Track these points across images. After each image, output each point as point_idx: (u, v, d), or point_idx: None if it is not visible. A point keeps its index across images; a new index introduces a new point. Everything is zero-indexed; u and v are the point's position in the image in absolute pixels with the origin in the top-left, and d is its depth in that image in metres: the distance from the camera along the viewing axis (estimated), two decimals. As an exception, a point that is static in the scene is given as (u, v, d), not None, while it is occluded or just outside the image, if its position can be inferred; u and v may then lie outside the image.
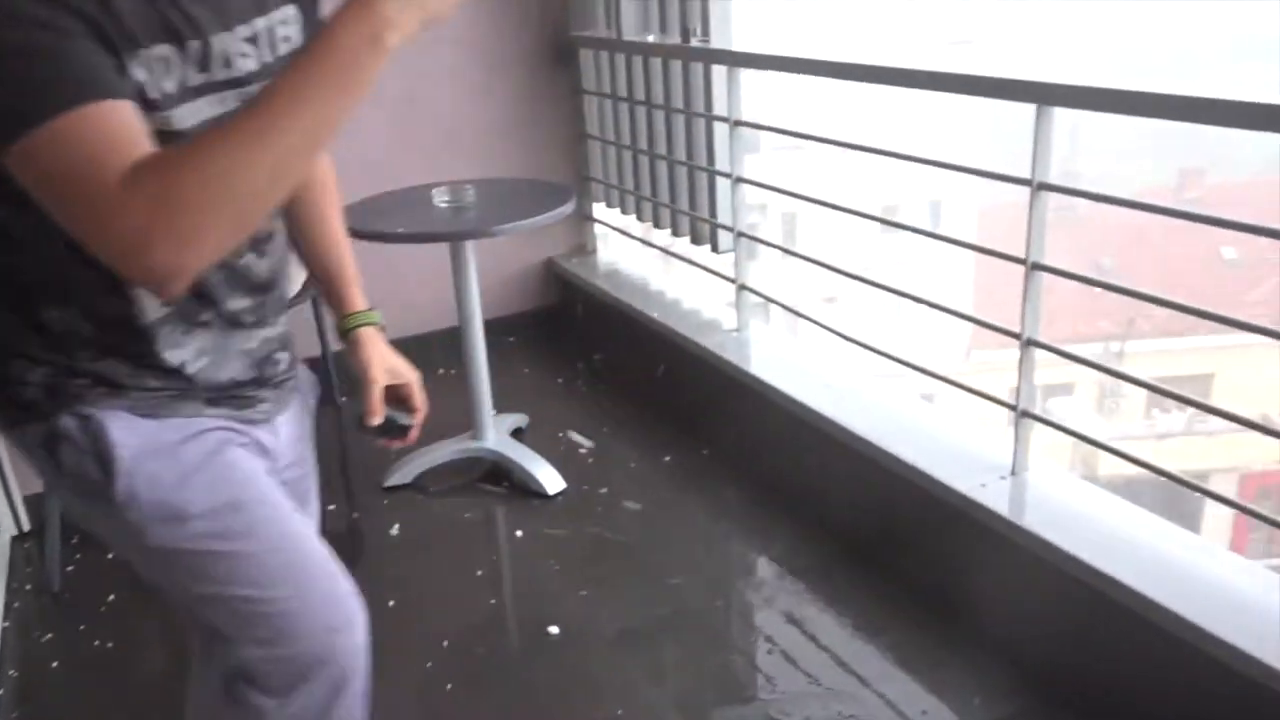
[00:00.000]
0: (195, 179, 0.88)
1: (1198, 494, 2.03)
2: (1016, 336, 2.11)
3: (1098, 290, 2.08)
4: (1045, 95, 1.82)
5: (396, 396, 1.46)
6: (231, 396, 1.22)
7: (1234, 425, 1.83)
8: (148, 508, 1.13)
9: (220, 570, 1.17)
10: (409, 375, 1.48)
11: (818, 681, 2.04)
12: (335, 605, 1.23)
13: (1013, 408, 2.14)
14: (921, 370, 2.41)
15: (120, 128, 0.91)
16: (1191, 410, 15.94)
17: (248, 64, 1.10)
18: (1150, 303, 1.95)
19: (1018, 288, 2.05)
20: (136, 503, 1.12)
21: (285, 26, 1.16)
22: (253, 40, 1.10)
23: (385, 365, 1.45)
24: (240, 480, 1.19)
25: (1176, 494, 2.30)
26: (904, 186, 15.54)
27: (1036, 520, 1.96)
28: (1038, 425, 2.14)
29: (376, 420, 1.41)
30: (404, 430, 1.46)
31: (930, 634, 2.13)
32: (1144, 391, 15.02)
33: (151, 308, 1.11)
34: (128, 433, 1.12)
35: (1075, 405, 15.83)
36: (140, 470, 1.12)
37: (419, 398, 1.48)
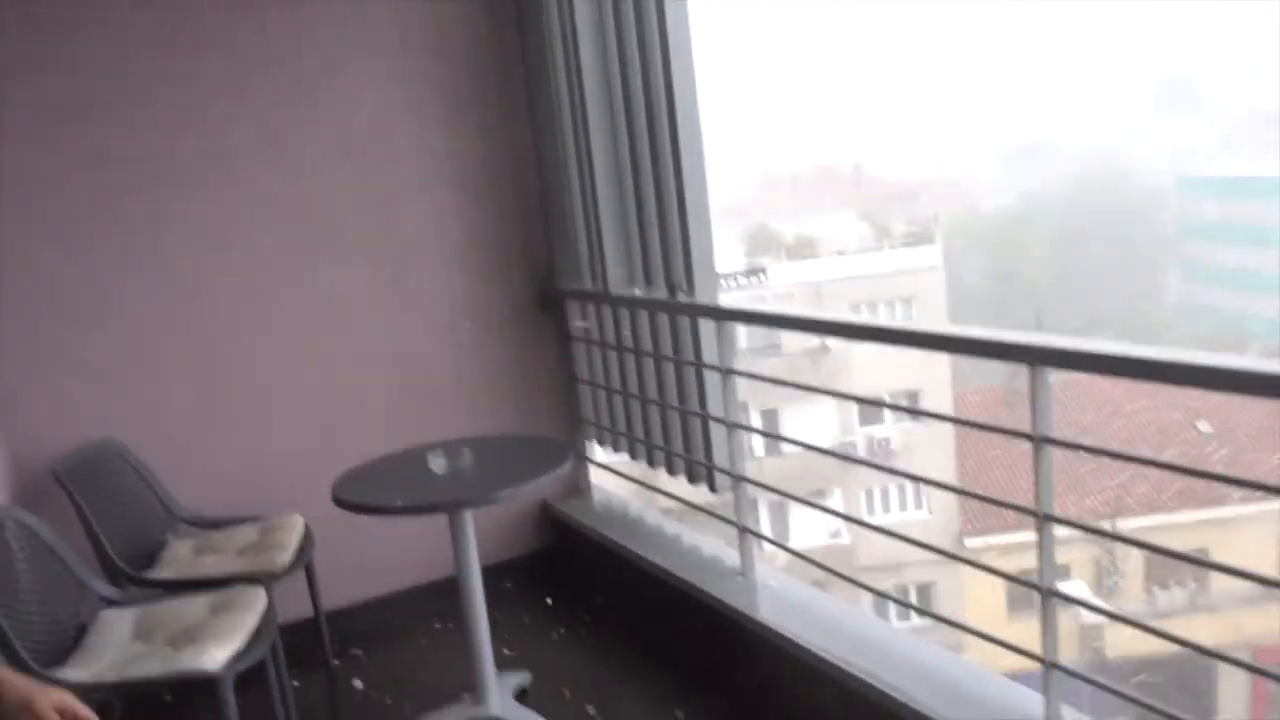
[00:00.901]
0: None
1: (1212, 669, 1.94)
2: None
3: (1084, 470, 2.06)
4: (1038, 356, 1.85)
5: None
6: None
7: (1236, 600, 1.77)
8: None
9: None
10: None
11: None
12: None
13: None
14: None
15: None
16: (1194, 586, 15.79)
17: None
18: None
19: (999, 473, 2.03)
20: None
21: None
22: None
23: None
24: None
25: (1193, 670, 2.21)
26: (881, 383, 15.87)
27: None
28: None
29: None
30: None
31: None
32: (1141, 570, 14.71)
33: None
34: None
35: (1075, 586, 15.58)
36: None
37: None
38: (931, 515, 17.08)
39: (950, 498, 17.11)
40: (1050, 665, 2.10)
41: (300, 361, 3.46)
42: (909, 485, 17.64)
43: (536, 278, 3.75)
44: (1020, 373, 1.91)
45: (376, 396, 3.54)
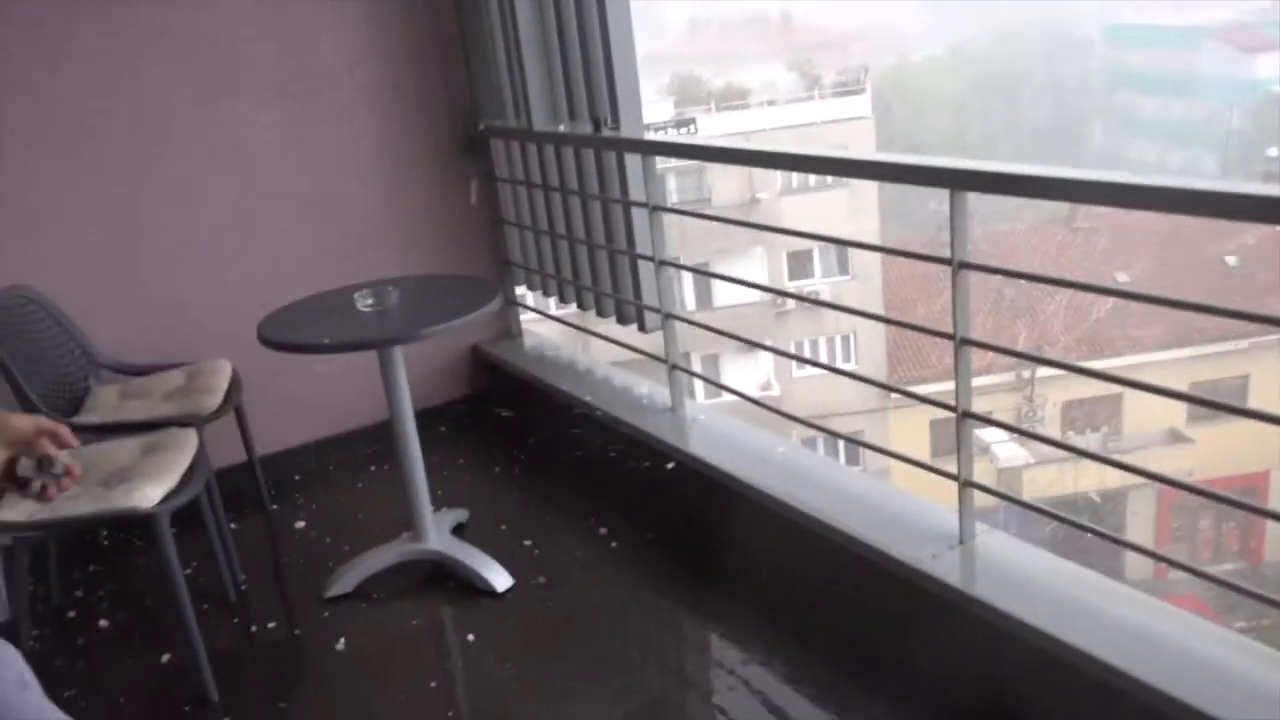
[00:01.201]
0: None
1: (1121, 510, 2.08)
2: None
3: (1002, 322, 2.14)
4: (958, 180, 1.88)
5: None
6: None
7: (1145, 444, 1.88)
8: None
9: None
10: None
11: (788, 769, 2.03)
12: None
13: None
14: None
15: None
16: (1105, 430, 16.50)
17: None
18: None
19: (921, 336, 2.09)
20: None
21: None
22: None
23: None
24: None
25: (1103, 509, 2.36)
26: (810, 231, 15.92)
27: (987, 589, 1.99)
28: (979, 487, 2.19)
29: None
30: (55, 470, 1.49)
31: (898, 708, 2.13)
32: (1059, 414, 15.29)
33: None
34: None
35: (995, 430, 16.20)
36: None
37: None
38: (859, 366, 17.48)
39: (878, 352, 17.48)
40: (964, 483, 2.20)
41: (216, 205, 3.37)
42: (838, 339, 17.96)
43: (459, 117, 3.66)
44: (943, 229, 1.94)
45: (300, 240, 3.48)
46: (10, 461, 1.47)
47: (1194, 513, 16.70)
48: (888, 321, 2.38)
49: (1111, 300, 16.36)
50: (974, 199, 1.96)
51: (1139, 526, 16.03)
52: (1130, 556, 14.10)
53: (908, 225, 20.76)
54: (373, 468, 3.61)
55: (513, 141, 3.55)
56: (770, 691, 2.26)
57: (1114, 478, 15.67)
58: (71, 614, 2.91)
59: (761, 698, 2.24)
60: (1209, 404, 1.83)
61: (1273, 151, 20.94)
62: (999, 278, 16.74)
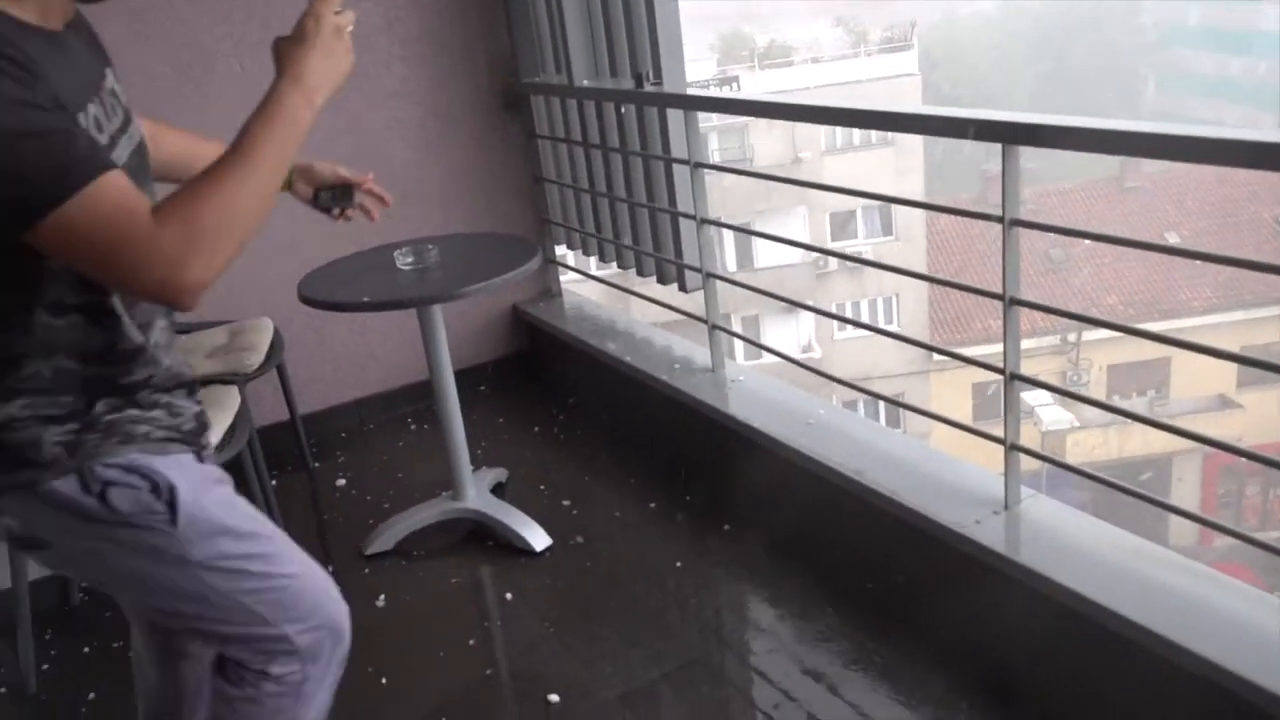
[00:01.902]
0: (210, 209, 1.19)
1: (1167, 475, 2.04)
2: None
3: (1047, 284, 2.08)
4: (1011, 134, 1.82)
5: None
6: (196, 436, 1.44)
7: (1194, 409, 1.84)
8: (203, 527, 1.36)
9: (260, 567, 1.43)
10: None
11: (827, 732, 2.02)
12: (329, 581, 1.53)
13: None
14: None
15: (126, 186, 1.16)
16: (1153, 394, 16.24)
17: (119, 113, 1.37)
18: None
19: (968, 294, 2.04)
20: (194, 526, 1.35)
21: (115, 84, 1.42)
22: (112, 94, 1.38)
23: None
24: (242, 502, 1.46)
25: (1149, 479, 2.31)
26: (854, 199, 15.74)
27: (1033, 555, 1.96)
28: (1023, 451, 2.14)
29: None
30: (350, 198, 1.87)
31: (936, 674, 2.11)
32: (1104, 378, 15.11)
33: (128, 337, 1.33)
34: (175, 472, 1.35)
35: (1039, 393, 16.03)
36: (194, 500, 1.35)
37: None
38: (901, 329, 17.32)
39: (921, 315, 17.30)
40: (1010, 447, 2.16)
41: (259, 164, 3.37)
42: (880, 301, 17.79)
43: (499, 73, 3.62)
44: (989, 189, 1.88)
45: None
46: (316, 193, 1.89)
47: (1241, 479, 16.44)
48: (935, 281, 2.33)
49: (1159, 262, 16.05)
50: (1025, 156, 1.91)
51: (1184, 492, 15.82)
52: (1174, 523, 13.93)
53: (954, 185, 20.45)
54: (413, 426, 3.63)
55: (553, 98, 3.51)
56: (808, 655, 2.24)
57: (1159, 443, 15.46)
58: (83, 597, 2.96)
59: (799, 661, 2.23)
60: (1262, 365, 1.77)
61: (1332, 108, 20.33)
62: (1044, 241, 16.45)
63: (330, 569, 2.80)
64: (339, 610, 1.53)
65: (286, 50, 1.35)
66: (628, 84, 3.05)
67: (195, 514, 1.35)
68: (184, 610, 1.44)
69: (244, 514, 1.44)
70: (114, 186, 1.14)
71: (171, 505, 1.33)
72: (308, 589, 1.49)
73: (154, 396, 1.38)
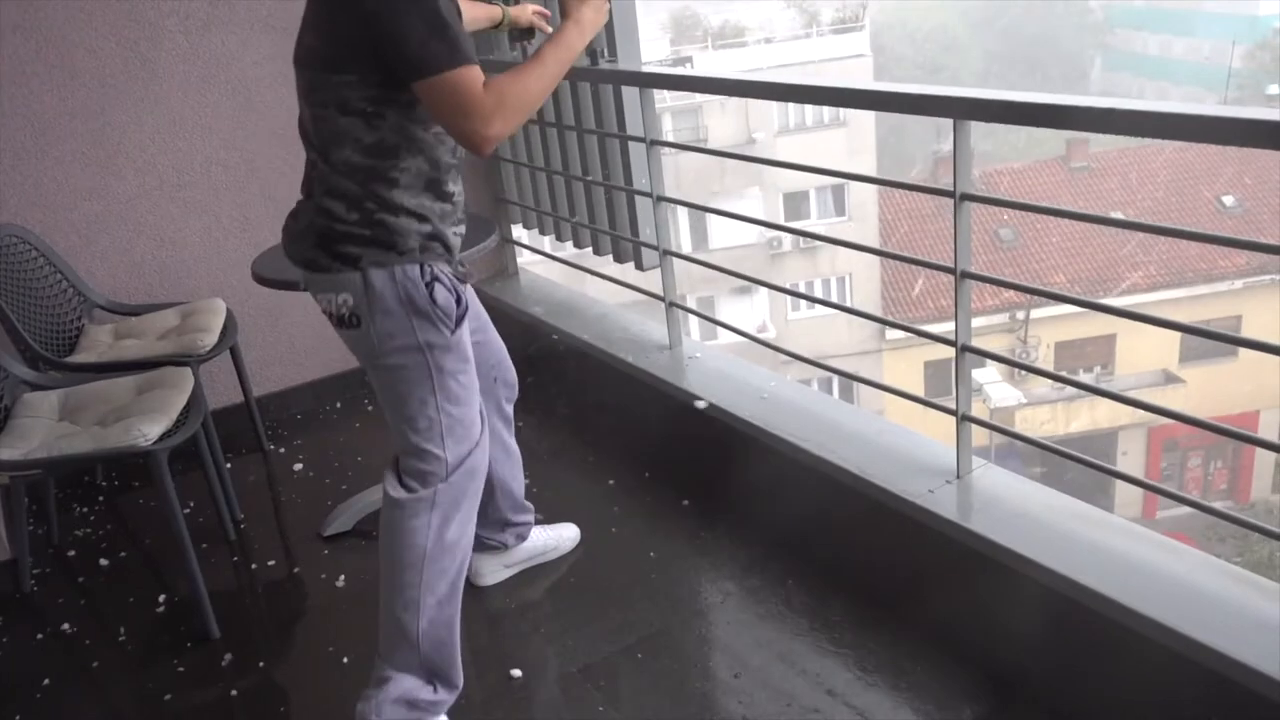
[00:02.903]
0: (516, 90, 1.68)
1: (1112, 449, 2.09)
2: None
3: (996, 263, 2.13)
4: (962, 110, 1.85)
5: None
6: (460, 264, 1.94)
7: (1138, 384, 1.89)
8: (458, 334, 1.86)
9: (464, 376, 1.91)
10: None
11: (790, 699, 2.05)
12: (480, 420, 1.97)
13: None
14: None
15: (479, 70, 1.66)
16: (1099, 370, 16.55)
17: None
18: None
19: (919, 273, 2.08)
20: (459, 332, 1.85)
21: None
22: None
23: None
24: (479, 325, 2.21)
25: (1094, 450, 2.37)
26: (807, 177, 15.83)
27: (983, 522, 2.00)
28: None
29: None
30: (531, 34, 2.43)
31: (891, 643, 2.16)
32: (1051, 354, 15.37)
33: (445, 160, 1.85)
34: (457, 283, 1.87)
35: (988, 373, 16.28)
36: (463, 310, 1.86)
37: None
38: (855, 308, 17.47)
39: (874, 293, 17.47)
40: (962, 418, 2.20)
41: (209, 143, 3.32)
42: (833, 281, 17.94)
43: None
44: (940, 170, 1.91)
45: (294, 178, 3.41)
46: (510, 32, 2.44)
47: (1183, 453, 16.87)
48: (891, 256, 2.38)
49: (1106, 242, 16.34)
50: (975, 136, 1.94)
51: (1129, 465, 16.17)
52: (1119, 495, 14.25)
53: (906, 165, 20.61)
54: (370, 408, 3.61)
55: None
56: (766, 626, 2.28)
57: (1105, 418, 15.79)
58: (72, 553, 2.93)
59: (758, 631, 2.27)
60: (1210, 335, 1.82)
61: (1273, 89, 20.77)
62: (994, 222, 16.63)
63: (288, 551, 2.83)
64: (483, 444, 1.98)
65: (570, 4, 1.82)
66: (583, 60, 3.04)
67: (462, 335, 1.86)
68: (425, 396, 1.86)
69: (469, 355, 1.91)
70: (474, 71, 1.64)
71: (459, 318, 1.83)
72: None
73: (458, 227, 1.88)
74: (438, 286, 1.79)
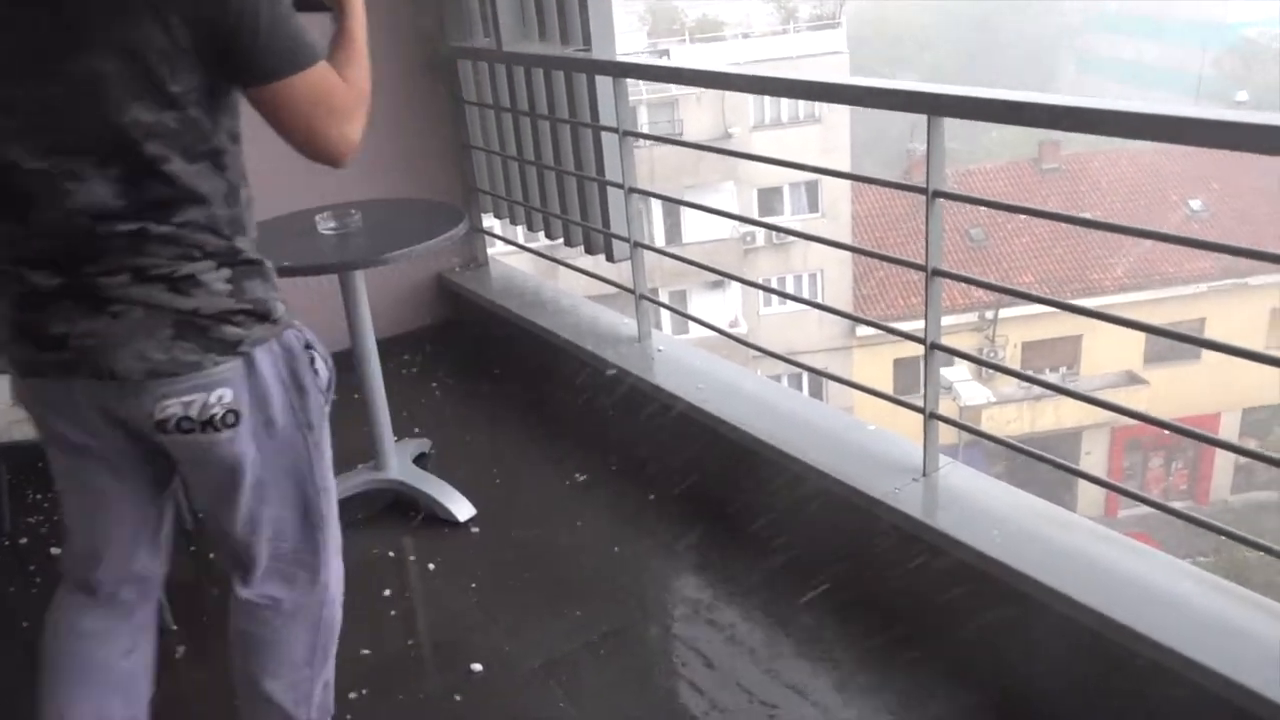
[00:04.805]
0: (365, 84, 1.55)
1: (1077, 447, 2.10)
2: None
3: (966, 263, 2.13)
4: (936, 106, 1.84)
5: None
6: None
7: (1102, 384, 1.90)
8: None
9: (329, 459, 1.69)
10: None
11: (752, 695, 2.04)
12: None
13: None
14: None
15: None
16: (1064, 371, 16.72)
17: None
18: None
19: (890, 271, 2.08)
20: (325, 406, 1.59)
21: None
22: None
23: None
24: None
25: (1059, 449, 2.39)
26: (781, 172, 15.87)
27: (948, 520, 2.00)
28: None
29: None
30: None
31: (856, 640, 2.15)
32: (1019, 354, 15.52)
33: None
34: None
35: (956, 371, 16.40)
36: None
37: None
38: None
39: (845, 289, 17.54)
40: (930, 415, 2.20)
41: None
42: (805, 277, 18.00)
43: (426, 36, 3.55)
44: (915, 167, 1.91)
45: (259, 162, 3.35)
46: None
47: (1145, 453, 17.10)
48: (864, 253, 2.35)
49: (1074, 244, 16.51)
50: (948, 132, 1.93)
51: (1092, 465, 16.34)
52: (1082, 495, 14.41)
53: (879, 162, 20.69)
54: (335, 396, 3.56)
55: (481, 63, 3.45)
56: (732, 621, 2.27)
57: (1070, 417, 15.96)
58: (24, 541, 2.87)
59: (723, 627, 2.25)
60: (1175, 336, 1.83)
61: (1242, 95, 21.02)
62: (965, 220, 16.75)
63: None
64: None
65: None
66: (557, 49, 3.02)
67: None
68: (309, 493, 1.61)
69: None
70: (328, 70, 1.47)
71: (328, 382, 1.58)
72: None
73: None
74: (314, 354, 1.56)
